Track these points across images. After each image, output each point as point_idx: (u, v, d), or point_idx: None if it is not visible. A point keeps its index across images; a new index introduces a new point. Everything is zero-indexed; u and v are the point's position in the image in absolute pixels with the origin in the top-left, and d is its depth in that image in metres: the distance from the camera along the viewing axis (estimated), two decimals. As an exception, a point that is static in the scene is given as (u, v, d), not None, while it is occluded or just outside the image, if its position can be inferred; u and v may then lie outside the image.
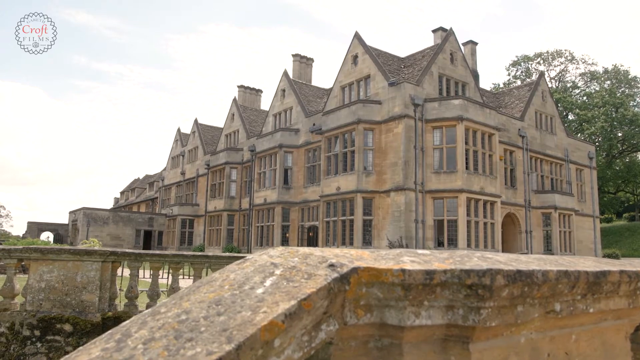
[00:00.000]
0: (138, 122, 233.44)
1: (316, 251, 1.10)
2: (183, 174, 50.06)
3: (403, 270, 1.01)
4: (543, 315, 1.25)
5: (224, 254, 8.55)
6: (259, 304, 0.88)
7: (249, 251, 36.36)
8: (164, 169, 57.07)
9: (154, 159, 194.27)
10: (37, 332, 7.37)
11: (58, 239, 52.30)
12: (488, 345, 1.15)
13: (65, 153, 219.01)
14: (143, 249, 39.39)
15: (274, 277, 0.97)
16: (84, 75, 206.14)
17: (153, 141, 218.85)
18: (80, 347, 0.88)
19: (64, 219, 68.24)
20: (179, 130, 53.79)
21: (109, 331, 0.92)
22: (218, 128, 49.92)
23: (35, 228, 54.62)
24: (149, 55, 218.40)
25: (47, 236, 55.82)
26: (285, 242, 34.02)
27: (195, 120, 49.98)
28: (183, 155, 50.93)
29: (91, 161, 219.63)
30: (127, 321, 0.98)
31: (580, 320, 1.42)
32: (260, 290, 0.93)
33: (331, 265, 1.01)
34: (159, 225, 49.64)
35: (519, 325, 1.19)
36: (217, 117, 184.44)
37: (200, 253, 8.28)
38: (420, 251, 1.19)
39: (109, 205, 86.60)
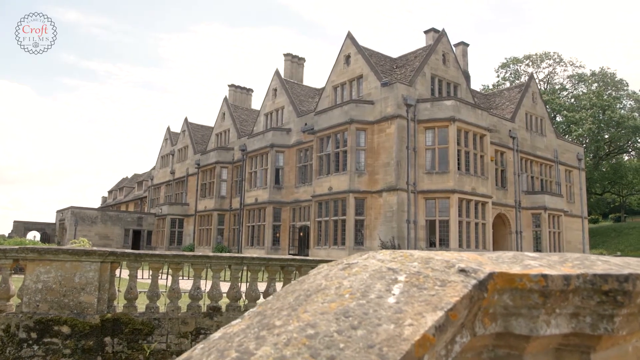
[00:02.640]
0: (127, 121, 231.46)
1: (435, 254, 1.02)
2: (173, 173, 49.66)
3: (544, 276, 0.93)
4: None
5: (224, 254, 8.42)
6: (398, 315, 0.79)
7: (240, 251, 36.14)
8: (153, 168, 56.58)
9: (142, 158, 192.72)
10: (33, 335, 7.19)
11: (45, 239, 51.59)
12: (605, 355, 1.07)
13: (52, 152, 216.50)
14: (132, 249, 39.03)
15: (401, 284, 0.88)
16: (72, 74, 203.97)
17: (142, 140, 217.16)
18: None
19: (51, 218, 67.36)
20: (168, 129, 53.36)
21: (211, 345, 0.82)
22: (208, 127, 49.60)
23: (22, 227, 53.83)
24: (139, 55, 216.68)
25: (33, 235, 55.06)
26: (276, 242, 33.88)
27: (186, 119, 49.61)
28: (173, 155, 50.53)
29: (79, 160, 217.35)
30: (225, 331, 0.88)
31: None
32: (391, 300, 0.83)
33: (462, 271, 0.92)
34: (148, 225, 49.19)
35: (633, 333, 1.12)
36: (207, 116, 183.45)
37: (201, 254, 8.14)
38: (530, 254, 1.11)
39: (97, 204, 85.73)
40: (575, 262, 1.06)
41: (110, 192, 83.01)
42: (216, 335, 0.90)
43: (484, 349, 1.01)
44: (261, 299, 8.69)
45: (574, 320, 1.02)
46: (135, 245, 47.80)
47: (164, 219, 45.85)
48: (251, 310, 0.97)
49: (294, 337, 0.76)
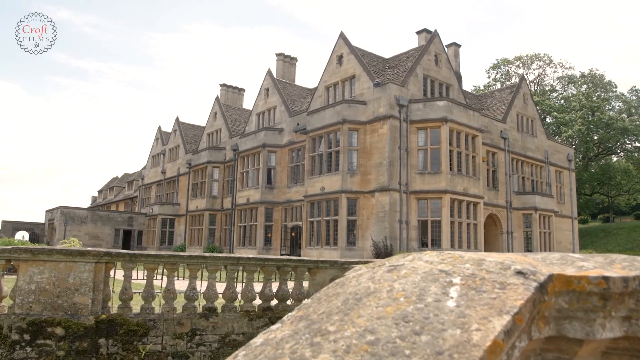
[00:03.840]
0: (117, 121, 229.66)
1: (486, 256, 0.99)
2: (164, 172, 49.37)
3: (605, 278, 0.90)
4: None
5: (220, 255, 8.35)
6: (462, 319, 0.75)
7: (231, 251, 36.01)
8: (144, 168, 56.22)
9: (133, 157, 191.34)
10: (26, 336, 7.08)
11: (34, 239, 51.05)
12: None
13: (41, 151, 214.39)
14: (122, 249, 38.72)
15: (457, 287, 0.85)
16: (63, 73, 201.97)
17: (132, 140, 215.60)
18: None
19: (40, 218, 66.72)
20: (159, 128, 53.04)
21: (255, 352, 0.78)
22: (200, 127, 49.38)
23: (10, 227, 53.22)
24: (130, 54, 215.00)
25: (22, 235, 54.46)
26: (268, 242, 33.79)
27: (177, 119, 49.34)
28: (164, 154, 50.23)
29: (68, 159, 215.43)
30: (266, 337, 0.84)
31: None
32: (451, 303, 0.80)
33: (519, 273, 0.89)
34: (139, 225, 48.86)
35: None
36: (199, 116, 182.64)
37: (197, 254, 8.07)
38: (576, 255, 1.08)
39: (87, 204, 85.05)
40: (623, 263, 1.03)
41: (100, 191, 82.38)
42: (257, 341, 0.86)
43: (531, 353, 0.98)
44: (257, 300, 8.64)
45: (626, 323, 1.00)
46: (126, 246, 47.47)
47: (154, 218, 45.57)
48: (290, 314, 0.94)
49: (353, 343, 0.72)
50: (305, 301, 0.98)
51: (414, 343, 0.71)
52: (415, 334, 0.73)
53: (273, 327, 0.90)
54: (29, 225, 56.08)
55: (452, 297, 0.82)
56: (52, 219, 47.80)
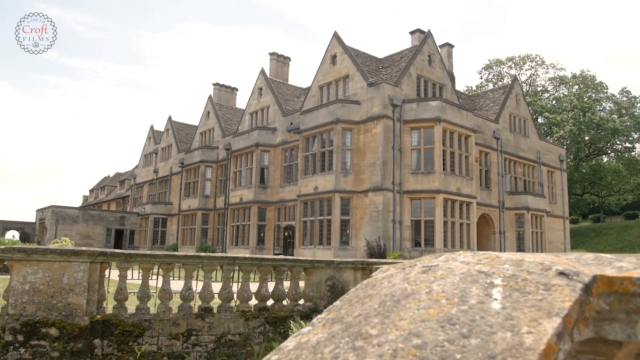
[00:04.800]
0: (109, 119, 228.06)
1: (524, 256, 0.97)
2: (156, 172, 49.12)
3: None
4: None
5: (216, 255, 8.31)
6: (510, 322, 0.73)
7: (224, 251, 35.90)
8: (136, 167, 55.91)
9: (125, 156, 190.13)
10: (20, 337, 7.00)
11: (24, 238, 50.62)
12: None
13: (32, 150, 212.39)
14: (114, 249, 38.52)
15: (499, 288, 0.83)
16: (54, 71, 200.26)
17: (124, 139, 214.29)
18: None
19: (31, 217, 66.22)
20: (152, 127, 52.77)
21: (290, 357, 0.76)
22: (192, 126, 49.20)
23: (0, 226, 52.76)
24: (122, 53, 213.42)
25: (12, 235, 54.01)
26: (260, 241, 33.71)
27: (169, 118, 49.10)
28: (156, 153, 49.98)
29: (59, 158, 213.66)
30: (299, 341, 0.82)
31: None
32: (496, 305, 0.78)
33: (562, 274, 0.87)
34: (131, 224, 48.59)
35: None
36: (191, 115, 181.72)
37: (192, 254, 8.02)
38: (608, 255, 1.06)
39: (78, 203, 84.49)
40: (663, 262, 1.02)
41: (91, 190, 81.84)
42: (289, 345, 0.83)
43: (568, 356, 0.96)
44: (253, 300, 8.60)
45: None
46: (118, 245, 47.20)
47: (147, 218, 45.34)
48: (321, 317, 0.91)
49: (399, 347, 0.70)
50: (335, 303, 0.96)
51: (463, 347, 0.68)
52: (463, 337, 0.71)
53: (303, 330, 0.88)
54: (19, 225, 55.61)
55: (495, 299, 0.80)
56: (43, 218, 47.42)
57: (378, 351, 0.70)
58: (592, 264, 0.97)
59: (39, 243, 43.18)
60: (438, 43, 33.37)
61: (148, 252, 7.98)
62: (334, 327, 0.82)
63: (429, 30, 31.16)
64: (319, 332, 0.83)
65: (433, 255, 1.08)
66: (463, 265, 0.93)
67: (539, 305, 0.77)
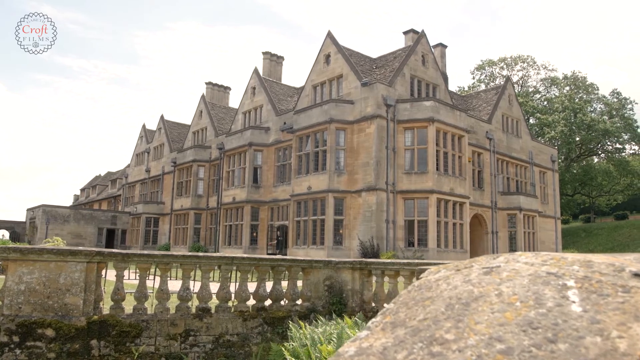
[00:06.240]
0: (100, 118, 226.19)
1: (592, 257, 0.94)
2: (148, 171, 48.84)
3: None
4: None
5: (215, 254, 8.25)
6: (596, 325, 0.71)
7: (216, 250, 35.75)
8: (128, 166, 55.57)
9: (116, 155, 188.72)
10: (15, 338, 6.90)
11: (14, 237, 50.11)
12: None
13: (23, 148, 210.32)
14: (106, 248, 38.30)
15: (575, 290, 0.80)
16: (45, 70, 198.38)
17: (116, 138, 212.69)
18: None
19: (21, 217, 65.52)
20: (144, 126, 52.46)
21: None
22: (185, 125, 48.97)
23: (-11, 226, 52.24)
24: (114, 52, 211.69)
25: (2, 234, 53.47)
26: (253, 241, 33.61)
27: (162, 117, 48.83)
28: (148, 152, 49.69)
29: (50, 157, 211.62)
30: (360, 346, 0.78)
31: None
32: (576, 308, 0.76)
33: (637, 275, 0.85)
34: (123, 224, 48.28)
35: None
36: (184, 114, 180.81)
37: (190, 253, 7.95)
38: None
39: (68, 202, 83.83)
40: None
41: (82, 190, 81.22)
42: (349, 350, 0.80)
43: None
44: (251, 300, 8.55)
45: None
46: (109, 245, 46.90)
47: (138, 217, 45.07)
48: (377, 320, 0.88)
49: (483, 352, 0.67)
50: (389, 306, 0.93)
51: (552, 352, 0.66)
52: (549, 341, 0.68)
53: (361, 334, 0.85)
54: (9, 224, 55.06)
55: (573, 302, 0.78)
56: (33, 218, 46.98)
57: (460, 357, 0.67)
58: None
59: (29, 242, 42.78)
60: (431, 43, 33.47)
61: (145, 252, 7.91)
62: (397, 331, 0.79)
63: (423, 31, 31.22)
64: (381, 336, 0.80)
65: (490, 256, 1.05)
66: (528, 267, 0.91)
67: (623, 308, 0.75)
